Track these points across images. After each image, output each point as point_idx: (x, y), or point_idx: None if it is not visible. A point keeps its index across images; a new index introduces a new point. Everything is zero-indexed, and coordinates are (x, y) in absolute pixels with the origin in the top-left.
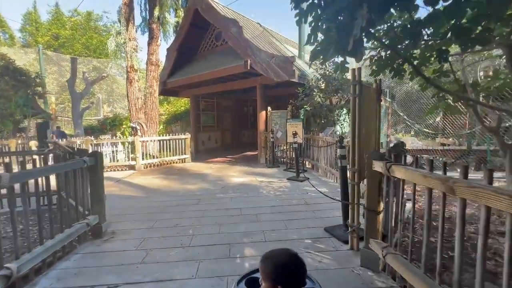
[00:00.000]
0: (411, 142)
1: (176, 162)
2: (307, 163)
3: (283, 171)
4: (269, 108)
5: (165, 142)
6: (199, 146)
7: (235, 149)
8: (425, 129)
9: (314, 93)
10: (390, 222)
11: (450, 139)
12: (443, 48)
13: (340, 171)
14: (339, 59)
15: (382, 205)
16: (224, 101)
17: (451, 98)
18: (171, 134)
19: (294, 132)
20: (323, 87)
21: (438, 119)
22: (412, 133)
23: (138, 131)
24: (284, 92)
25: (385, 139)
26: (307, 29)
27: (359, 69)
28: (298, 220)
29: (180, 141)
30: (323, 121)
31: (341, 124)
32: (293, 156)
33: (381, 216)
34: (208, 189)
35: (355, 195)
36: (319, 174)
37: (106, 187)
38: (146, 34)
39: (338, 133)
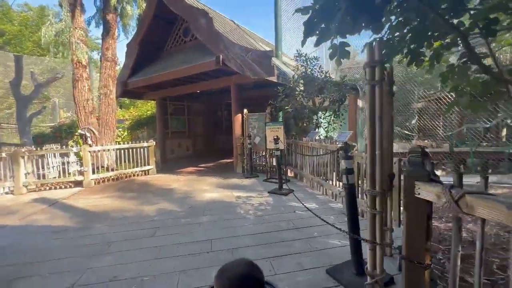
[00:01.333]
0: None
1: (138, 175)
2: (289, 171)
3: (263, 182)
4: (245, 110)
5: (123, 151)
6: (167, 155)
7: (208, 157)
8: (405, 131)
9: (296, 93)
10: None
11: (426, 141)
12: (491, 16)
13: (346, 191)
14: (337, 40)
15: (430, 254)
16: (196, 104)
17: (474, 93)
18: (131, 142)
19: (275, 137)
20: (298, 90)
21: (413, 121)
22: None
23: (88, 139)
24: (261, 93)
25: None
26: (283, 28)
27: (381, 41)
28: (289, 256)
29: (142, 149)
30: (305, 124)
31: (325, 127)
32: (274, 164)
33: (428, 271)
34: (172, 211)
35: (377, 229)
36: (304, 185)
37: (32, 215)
38: (102, 28)
39: (322, 137)
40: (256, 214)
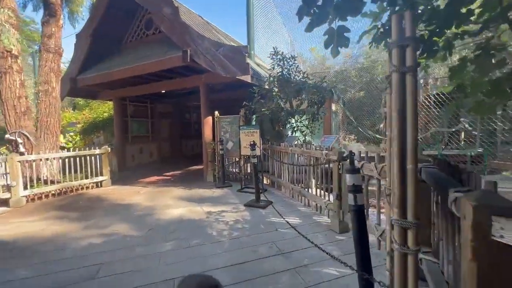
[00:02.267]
0: (356, 149)
1: (88, 188)
2: (264, 178)
3: (237, 192)
4: (216, 112)
5: (69, 160)
6: (127, 162)
7: (175, 164)
8: (377, 135)
9: (274, 93)
10: None
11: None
12: None
13: (353, 215)
14: (335, 24)
15: None
16: (161, 105)
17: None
18: (85, 148)
19: (251, 143)
20: (276, 90)
21: (381, 125)
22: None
23: (20, 145)
24: (233, 95)
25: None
26: (256, 27)
27: (411, 13)
28: None
29: (93, 157)
30: (281, 128)
31: (303, 131)
32: (249, 171)
33: None
34: (126, 236)
35: (409, 276)
36: (282, 194)
37: None
38: (43, 12)
39: (300, 141)
40: (232, 236)
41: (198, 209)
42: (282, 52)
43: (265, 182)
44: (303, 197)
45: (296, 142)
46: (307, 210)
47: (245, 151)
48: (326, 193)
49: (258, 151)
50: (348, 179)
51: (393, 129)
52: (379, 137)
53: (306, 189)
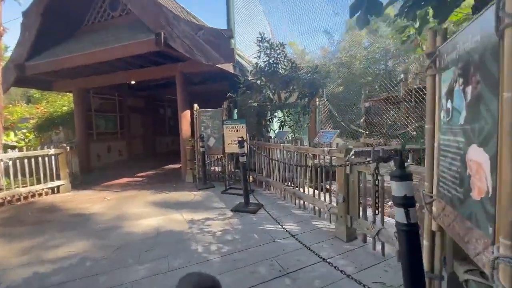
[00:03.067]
0: (337, 143)
1: (42, 194)
2: (251, 177)
3: (222, 194)
4: (195, 106)
5: (15, 162)
6: (92, 163)
7: (149, 163)
8: (361, 130)
9: (262, 84)
10: None
11: (372, 139)
12: None
13: (403, 237)
14: None
15: None
16: (132, 99)
17: None
18: (42, 147)
19: (240, 139)
20: (264, 80)
21: (361, 120)
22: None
23: None
24: (214, 88)
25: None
26: (237, 20)
27: None
28: None
29: (47, 158)
30: (268, 122)
31: (291, 126)
32: (234, 170)
33: None
34: (86, 259)
35: None
36: (272, 195)
37: None
38: None
39: (289, 137)
40: (222, 251)
41: (178, 217)
42: (269, 39)
43: (250, 181)
44: (297, 199)
45: (286, 138)
46: (303, 214)
47: (230, 148)
48: (322, 193)
49: (246, 149)
50: (396, 188)
51: (506, 116)
52: (363, 131)
53: (301, 190)
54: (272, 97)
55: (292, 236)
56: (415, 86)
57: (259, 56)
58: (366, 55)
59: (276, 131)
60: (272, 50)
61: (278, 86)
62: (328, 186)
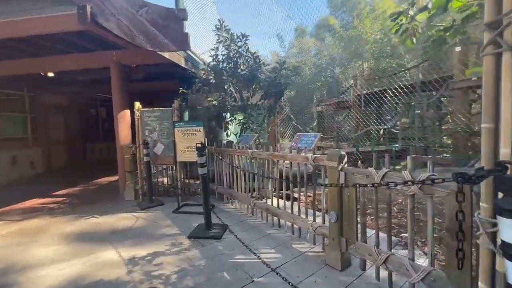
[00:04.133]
0: (289, 146)
1: None
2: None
3: (173, 214)
4: (137, 104)
5: None
6: None
7: (74, 177)
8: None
9: (224, 78)
10: None
11: (324, 142)
12: None
13: None
14: None
15: None
16: (51, 95)
17: None
18: None
19: (199, 145)
20: (226, 74)
21: (314, 123)
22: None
23: None
24: (161, 87)
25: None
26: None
27: None
28: None
29: None
30: (228, 125)
31: (255, 129)
32: (189, 181)
33: None
34: None
35: None
36: (235, 209)
37: None
38: None
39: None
40: None
41: (112, 256)
42: (230, 29)
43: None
44: (270, 216)
45: (254, 140)
46: (279, 234)
47: (184, 156)
48: (286, 202)
49: (205, 158)
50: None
51: None
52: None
53: (272, 203)
54: (235, 95)
55: (273, 270)
56: (364, 92)
57: (217, 48)
58: (315, 61)
59: (237, 135)
60: (232, 42)
61: (240, 83)
62: (296, 195)
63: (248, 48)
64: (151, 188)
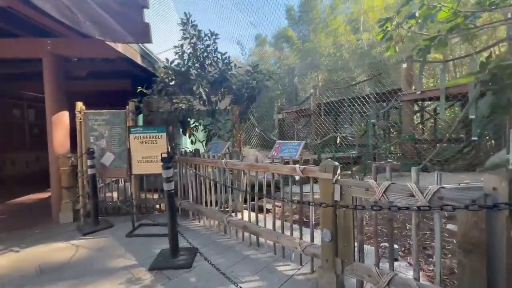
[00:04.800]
0: (252, 154)
1: None
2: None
3: (127, 238)
4: (79, 104)
5: None
6: None
7: None
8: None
9: (192, 78)
10: None
11: None
12: None
13: None
14: None
15: None
16: None
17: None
18: None
19: (165, 154)
20: (194, 74)
21: (276, 131)
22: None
23: None
24: (110, 87)
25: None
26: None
27: None
28: None
29: None
30: (193, 132)
31: (219, 136)
32: (143, 195)
33: None
34: None
35: None
36: (203, 227)
37: None
38: None
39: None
40: None
41: None
42: (197, 25)
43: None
44: (247, 233)
45: (226, 148)
46: (260, 255)
47: (141, 168)
48: (260, 215)
49: (172, 171)
50: None
51: None
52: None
53: (247, 218)
54: (204, 97)
55: None
56: (324, 101)
57: (182, 45)
58: (275, 70)
59: (204, 143)
60: (199, 40)
61: (207, 86)
62: (268, 206)
63: (216, 48)
64: (96, 207)
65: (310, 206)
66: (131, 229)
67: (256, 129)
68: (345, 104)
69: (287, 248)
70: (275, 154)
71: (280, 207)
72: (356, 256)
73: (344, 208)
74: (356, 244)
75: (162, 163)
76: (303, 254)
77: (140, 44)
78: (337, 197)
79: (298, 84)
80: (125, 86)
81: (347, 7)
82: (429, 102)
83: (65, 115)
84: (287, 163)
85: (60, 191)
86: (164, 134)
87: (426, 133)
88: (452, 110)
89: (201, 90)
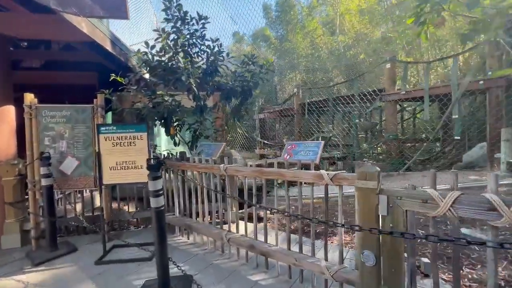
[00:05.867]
0: (233, 155)
1: None
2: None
3: (97, 265)
4: (29, 97)
5: None
6: None
7: None
8: (264, 141)
9: (180, 65)
10: None
11: (267, 150)
12: None
13: None
14: None
15: None
16: None
17: None
18: None
19: (152, 159)
20: (183, 62)
21: (257, 131)
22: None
23: None
24: (67, 79)
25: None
26: None
27: None
28: None
29: None
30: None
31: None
32: (117, 208)
33: None
34: None
35: None
36: (194, 245)
37: None
38: None
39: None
40: None
41: None
42: (182, 6)
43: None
44: (254, 253)
45: (221, 151)
46: (271, 280)
47: (115, 177)
48: (247, 223)
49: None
50: None
51: None
52: (267, 143)
53: (241, 231)
54: (195, 90)
55: None
56: (308, 100)
57: (163, 29)
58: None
59: (189, 144)
60: (184, 24)
61: (197, 78)
62: (261, 214)
63: (204, 34)
64: (53, 227)
65: (358, 215)
66: (101, 253)
67: (239, 130)
68: (330, 104)
69: (306, 271)
70: (288, 157)
71: (275, 213)
72: (407, 284)
73: (392, 217)
74: (406, 269)
75: (148, 172)
76: (333, 281)
77: (109, 30)
78: (382, 211)
79: (278, 83)
80: (90, 80)
81: (323, 10)
82: (409, 103)
83: (9, 110)
84: (305, 167)
85: (2, 207)
86: (145, 134)
87: (404, 133)
88: (431, 110)
89: (191, 81)
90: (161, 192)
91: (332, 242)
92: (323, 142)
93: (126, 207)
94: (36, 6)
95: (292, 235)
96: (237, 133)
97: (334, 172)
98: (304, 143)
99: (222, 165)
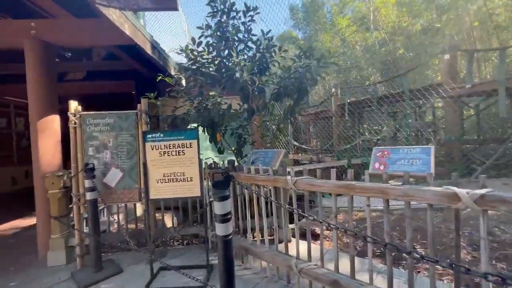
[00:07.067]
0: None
1: None
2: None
3: None
4: (73, 104)
5: None
6: None
7: None
8: (303, 146)
9: (237, 61)
10: None
11: (300, 155)
12: None
13: None
14: None
15: None
16: None
17: None
18: None
19: (223, 172)
20: (236, 58)
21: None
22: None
23: None
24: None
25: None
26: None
27: None
28: None
29: None
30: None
31: (250, 143)
32: (172, 225)
33: None
34: None
35: None
36: (253, 273)
37: None
38: None
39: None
40: None
41: None
42: None
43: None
44: None
45: (276, 163)
46: None
47: (162, 191)
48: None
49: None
50: None
51: None
52: (304, 146)
53: (303, 255)
54: (249, 88)
55: None
56: (348, 100)
57: (208, 26)
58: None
59: (235, 151)
60: (229, 18)
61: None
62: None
63: (251, 29)
64: (98, 247)
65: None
66: (148, 276)
67: (283, 137)
68: (374, 104)
69: None
70: (383, 167)
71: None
72: None
73: None
74: None
75: (214, 189)
76: None
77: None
78: None
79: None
80: (128, 89)
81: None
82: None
83: (55, 120)
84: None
85: (48, 222)
86: (195, 142)
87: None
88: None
89: (246, 78)
90: (229, 216)
91: (419, 272)
92: (433, 147)
93: (169, 220)
94: (81, 9)
95: (358, 259)
96: (284, 136)
97: (480, 192)
98: (403, 149)
99: (289, 177)
